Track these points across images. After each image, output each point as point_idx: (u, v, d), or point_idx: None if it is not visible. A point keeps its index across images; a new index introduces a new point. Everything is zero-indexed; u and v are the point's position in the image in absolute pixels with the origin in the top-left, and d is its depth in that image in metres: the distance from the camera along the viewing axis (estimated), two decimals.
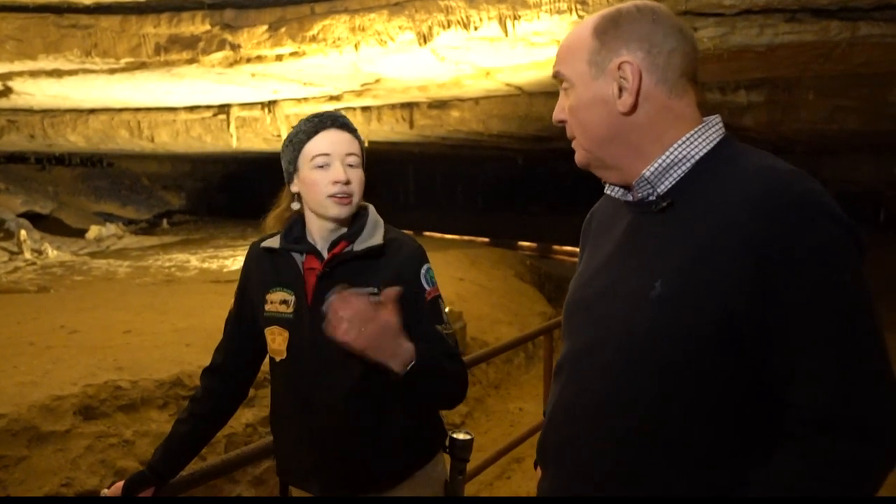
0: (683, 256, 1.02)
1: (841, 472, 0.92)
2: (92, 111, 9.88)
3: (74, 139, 10.90)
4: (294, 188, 1.61)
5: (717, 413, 1.00)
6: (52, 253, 12.30)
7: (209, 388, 1.71)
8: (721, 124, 1.12)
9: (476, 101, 9.04)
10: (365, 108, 9.54)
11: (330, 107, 9.00)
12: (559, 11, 4.63)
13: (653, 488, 1.03)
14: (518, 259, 12.84)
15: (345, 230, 1.59)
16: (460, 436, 1.72)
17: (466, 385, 1.62)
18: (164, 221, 19.81)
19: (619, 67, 1.07)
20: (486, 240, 18.18)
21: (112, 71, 6.47)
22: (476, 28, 4.92)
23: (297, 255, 1.60)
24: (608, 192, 1.20)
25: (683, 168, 1.07)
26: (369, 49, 5.42)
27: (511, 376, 7.20)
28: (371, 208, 1.65)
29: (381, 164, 20.99)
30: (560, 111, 1.17)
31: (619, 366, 1.06)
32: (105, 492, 1.63)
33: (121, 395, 4.25)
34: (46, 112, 9.93)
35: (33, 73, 6.67)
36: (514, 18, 4.77)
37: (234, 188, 24.50)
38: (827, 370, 0.93)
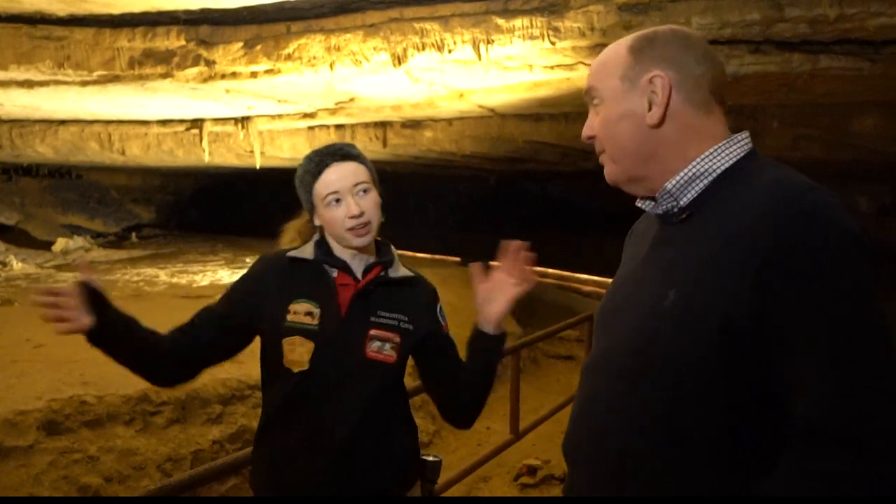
0: (695, 266, 1.05)
1: (829, 486, 0.91)
2: (62, 122, 9.76)
3: (43, 150, 10.74)
4: (317, 222, 1.69)
5: (718, 423, 1.01)
6: (16, 265, 12.05)
7: (173, 339, 1.61)
8: (747, 141, 1.15)
9: (449, 121, 9.13)
10: (339, 126, 9.57)
11: (304, 124, 9.02)
12: (532, 37, 4.73)
13: (651, 491, 1.05)
14: None
15: (367, 256, 1.68)
16: (429, 458, 1.77)
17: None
18: (133, 235, 19.44)
19: (651, 81, 1.12)
20: (458, 259, 18.20)
21: (84, 83, 6.42)
22: (450, 51, 4.99)
23: (329, 269, 1.65)
24: (639, 204, 1.24)
25: (705, 182, 1.11)
26: (344, 69, 5.46)
27: None
28: (391, 245, 1.76)
29: None
30: (589, 128, 1.22)
31: (628, 372, 1.10)
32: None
33: (86, 411, 4.20)
34: (15, 122, 9.79)
35: (3, 84, 6.59)
36: (488, 42, 4.86)
37: (205, 203, 24.23)
38: (822, 381, 0.93)
